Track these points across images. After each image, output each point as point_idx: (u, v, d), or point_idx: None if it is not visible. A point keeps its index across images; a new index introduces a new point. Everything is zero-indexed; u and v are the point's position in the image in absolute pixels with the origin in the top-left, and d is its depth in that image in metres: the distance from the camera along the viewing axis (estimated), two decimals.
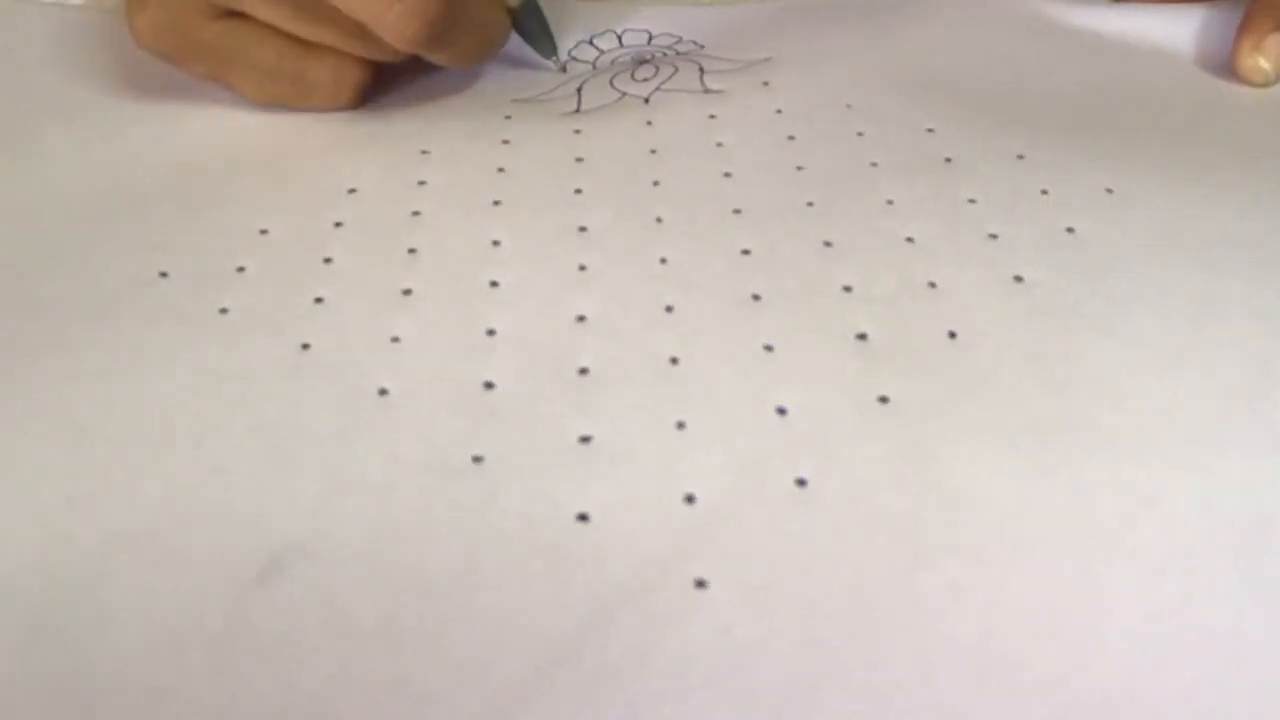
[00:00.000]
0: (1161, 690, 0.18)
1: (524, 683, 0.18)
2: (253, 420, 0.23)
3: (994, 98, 0.32)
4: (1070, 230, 0.27)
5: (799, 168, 0.29)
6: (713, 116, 0.32)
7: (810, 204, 0.28)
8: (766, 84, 0.33)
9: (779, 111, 0.32)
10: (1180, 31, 0.35)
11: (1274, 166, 0.29)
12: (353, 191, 0.29)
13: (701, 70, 0.34)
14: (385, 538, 0.21)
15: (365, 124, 0.32)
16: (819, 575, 0.20)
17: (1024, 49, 0.34)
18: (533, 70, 0.35)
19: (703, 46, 0.36)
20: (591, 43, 0.37)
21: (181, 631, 0.19)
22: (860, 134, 0.31)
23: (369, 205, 0.29)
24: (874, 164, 0.29)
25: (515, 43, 0.35)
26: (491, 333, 0.25)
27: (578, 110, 0.33)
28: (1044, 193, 0.28)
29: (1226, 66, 0.33)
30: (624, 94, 0.33)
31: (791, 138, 0.31)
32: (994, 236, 0.27)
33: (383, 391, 0.24)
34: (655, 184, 0.29)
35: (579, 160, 0.30)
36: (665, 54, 0.36)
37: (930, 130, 0.31)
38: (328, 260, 0.27)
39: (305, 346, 0.25)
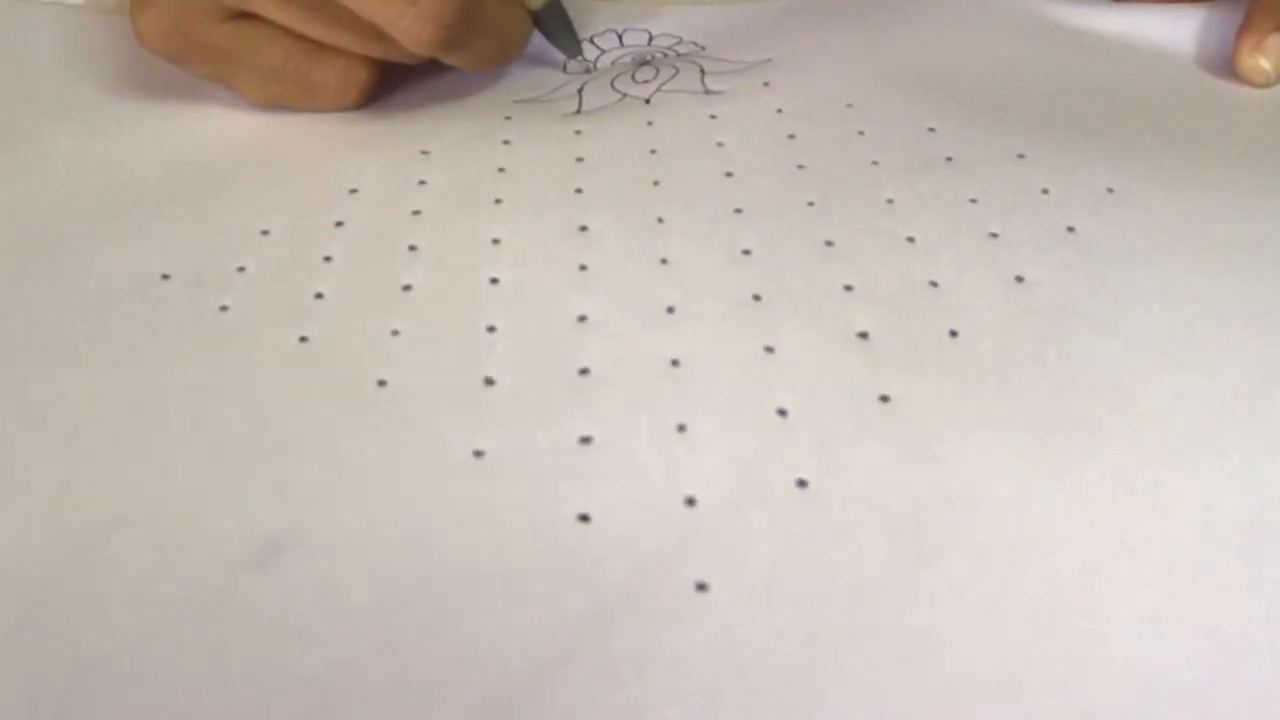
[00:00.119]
0: (1162, 690, 0.18)
1: (524, 681, 0.18)
2: (250, 409, 0.23)
3: (995, 97, 0.32)
4: (1071, 229, 0.27)
5: (800, 166, 0.29)
6: (713, 116, 0.32)
7: (811, 203, 0.28)
8: (767, 84, 0.33)
9: (779, 111, 0.32)
10: (1180, 31, 0.35)
11: (1274, 166, 0.29)
12: (354, 191, 0.29)
13: (702, 71, 0.34)
14: (384, 526, 0.21)
15: (367, 124, 0.32)
16: (820, 577, 0.20)
17: (1024, 49, 0.34)
18: (534, 71, 0.35)
19: (703, 47, 0.36)
20: (592, 42, 0.37)
21: (175, 617, 0.19)
22: (861, 133, 0.31)
23: (370, 205, 0.29)
24: (875, 163, 0.29)
25: None
26: (492, 329, 0.25)
27: (578, 111, 0.33)
28: (1045, 192, 0.28)
29: (1226, 66, 0.33)
30: (624, 95, 0.33)
31: (792, 137, 0.31)
32: (995, 236, 0.27)
33: (382, 383, 0.24)
34: (656, 184, 0.29)
35: (579, 160, 0.30)
36: (666, 54, 0.36)
37: (931, 129, 0.31)
38: (328, 258, 0.27)
39: (304, 339, 0.25)
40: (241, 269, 0.27)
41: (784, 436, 0.22)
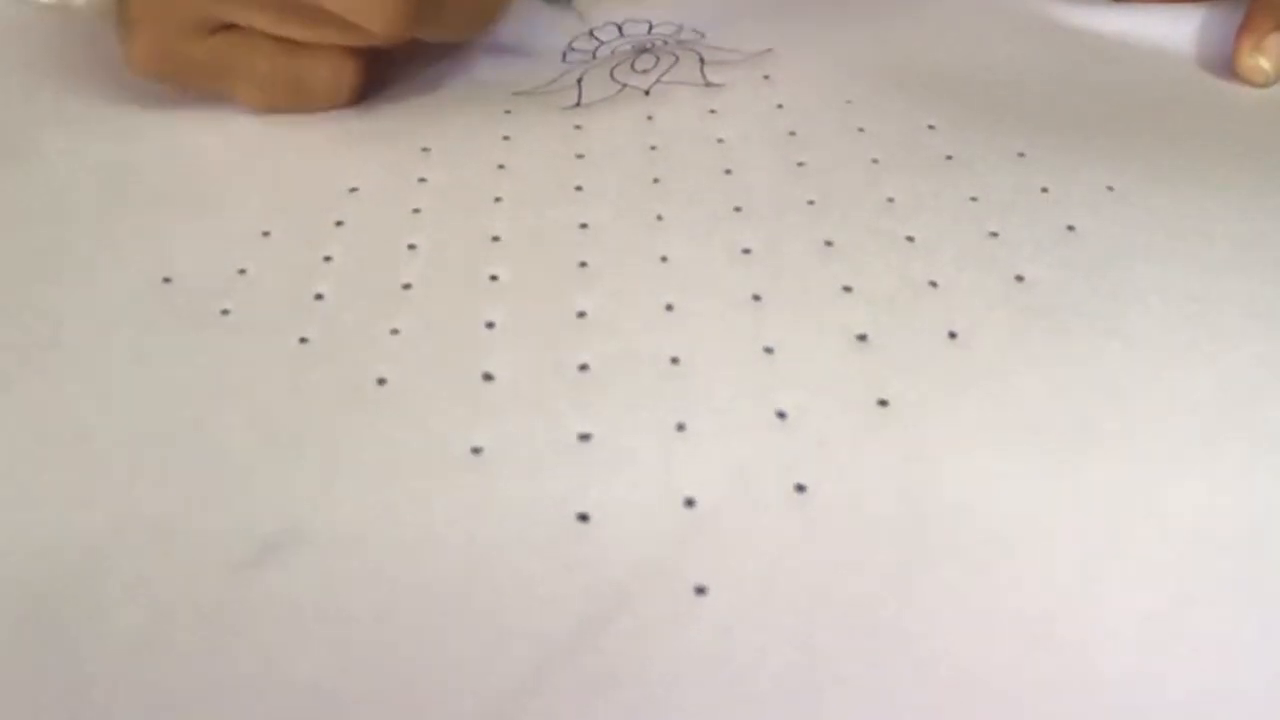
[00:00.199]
0: (1156, 697, 0.18)
1: (521, 684, 0.19)
2: (251, 408, 0.23)
3: (995, 95, 0.32)
4: (1071, 228, 0.27)
5: (799, 164, 0.29)
6: (713, 111, 0.31)
7: (811, 202, 0.28)
8: (767, 77, 0.33)
9: (780, 106, 0.32)
10: (1180, 31, 0.35)
11: (1274, 165, 0.29)
12: (353, 190, 0.29)
13: (702, 61, 0.34)
14: (382, 527, 0.21)
15: (365, 120, 0.32)
16: (817, 583, 0.20)
17: (1024, 48, 0.34)
18: (533, 61, 0.35)
19: (704, 35, 0.36)
20: (592, 34, 0.37)
21: (177, 619, 0.19)
22: (861, 130, 0.31)
23: (370, 204, 0.29)
24: (875, 160, 0.29)
25: (514, 34, 0.35)
26: (491, 325, 0.25)
27: (578, 104, 0.33)
28: (1044, 190, 0.28)
29: (1226, 66, 0.33)
30: (624, 86, 0.33)
31: (792, 133, 0.30)
32: (994, 235, 0.27)
33: (381, 381, 0.24)
34: (656, 181, 0.29)
35: (579, 156, 0.30)
36: (666, 42, 0.36)
37: (931, 127, 0.31)
38: (328, 258, 0.27)
39: (304, 340, 0.25)
40: (242, 271, 0.27)
41: (783, 440, 0.22)
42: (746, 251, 0.27)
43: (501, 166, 0.30)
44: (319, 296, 0.26)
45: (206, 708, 0.18)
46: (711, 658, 0.19)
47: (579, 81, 0.34)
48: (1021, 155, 0.29)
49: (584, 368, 0.24)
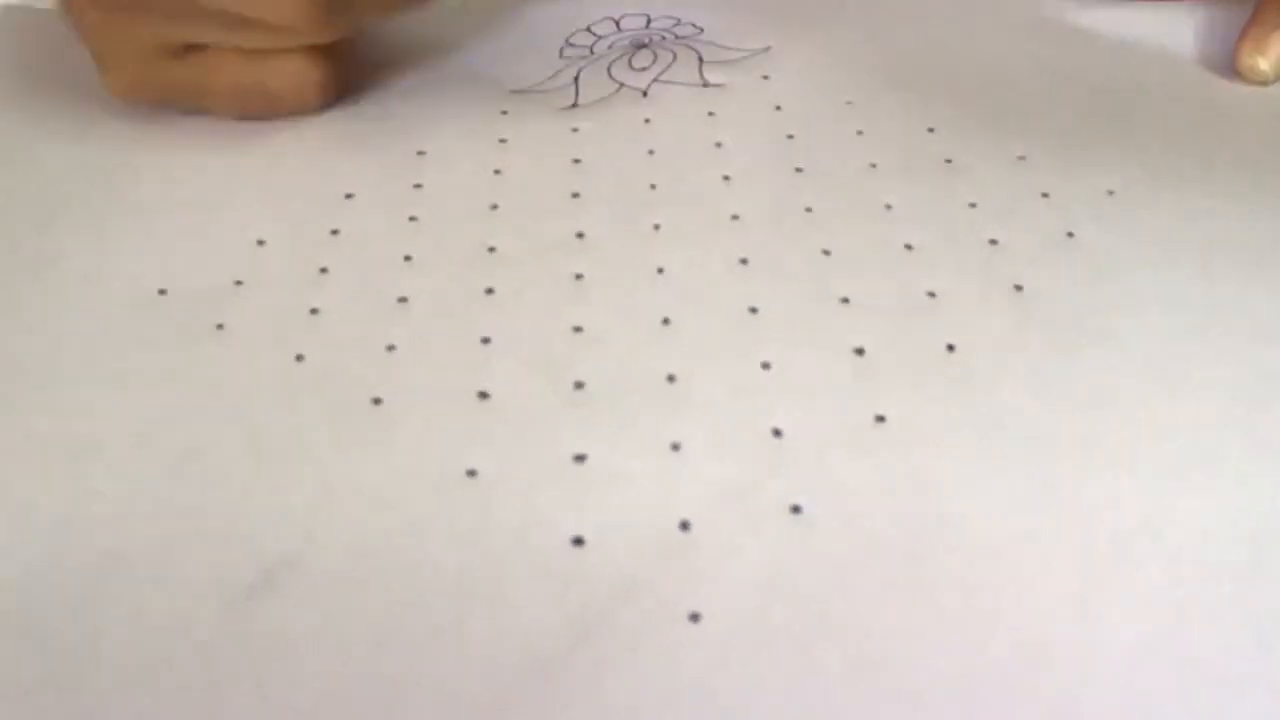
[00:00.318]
0: None
1: (516, 713, 0.19)
2: (247, 433, 0.23)
3: (995, 96, 0.32)
4: (1070, 235, 0.27)
5: (798, 169, 0.29)
6: (711, 114, 0.31)
7: (809, 209, 0.28)
8: (766, 77, 0.33)
9: (778, 108, 0.31)
10: (1181, 31, 0.35)
11: (1276, 168, 0.29)
12: (349, 197, 0.29)
13: (700, 60, 0.34)
14: (379, 553, 0.21)
15: (361, 120, 0.32)
16: (814, 611, 0.20)
17: (1025, 47, 0.34)
18: (530, 56, 0.35)
19: (702, 30, 0.36)
20: (589, 29, 0.36)
21: (174, 654, 0.19)
22: (860, 133, 0.30)
23: (365, 212, 0.29)
24: (873, 165, 0.29)
25: (510, 27, 0.34)
26: (487, 341, 0.25)
27: (575, 104, 0.32)
28: (1044, 195, 0.28)
29: (1227, 66, 0.33)
30: (622, 85, 0.33)
31: (791, 137, 0.30)
32: (994, 242, 0.27)
33: (377, 401, 0.24)
34: (653, 187, 0.29)
35: (576, 161, 0.30)
36: (664, 38, 0.35)
37: (930, 130, 0.30)
38: (324, 270, 0.27)
39: (300, 358, 0.25)
40: (238, 283, 0.27)
41: (779, 459, 0.22)
42: (744, 262, 0.26)
43: (498, 172, 0.30)
44: (315, 311, 0.26)
45: None
46: (707, 690, 0.19)
47: (576, 79, 0.34)
48: (1021, 159, 0.29)
49: (580, 385, 0.24)
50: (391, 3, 0.31)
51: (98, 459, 0.23)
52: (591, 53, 0.35)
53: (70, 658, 0.19)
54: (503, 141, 0.31)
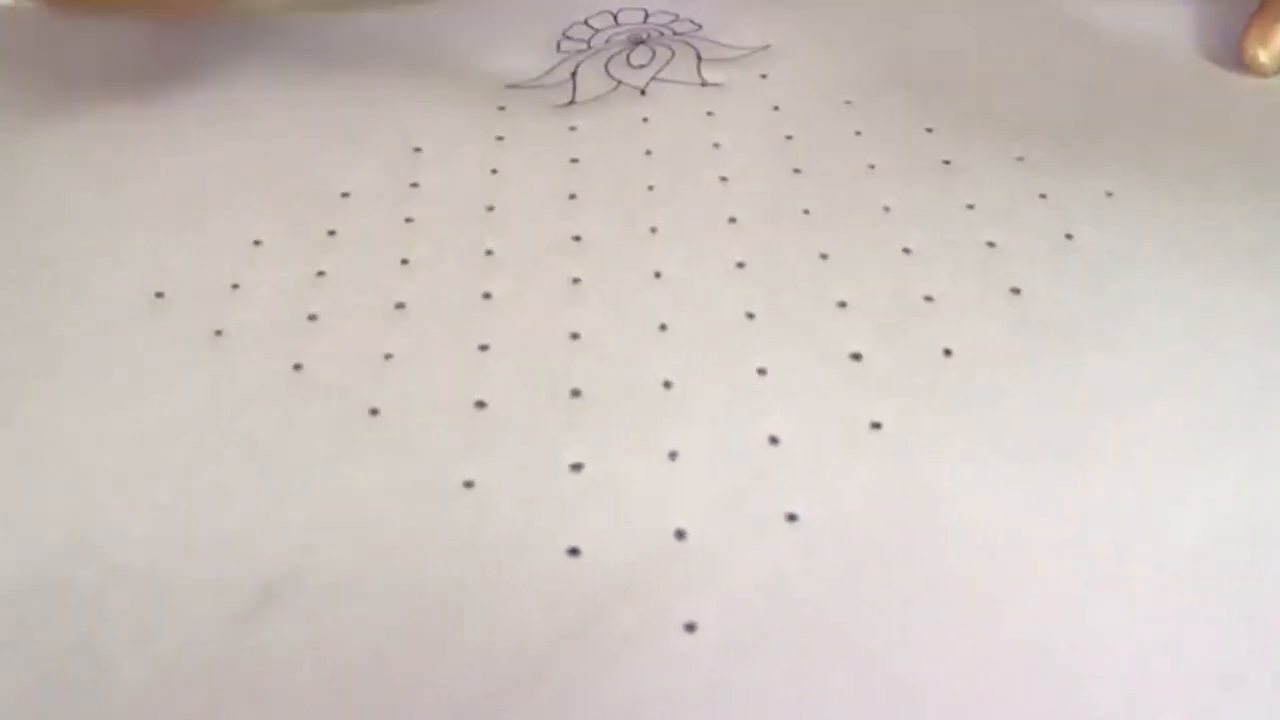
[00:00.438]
0: None
1: None
2: (246, 446, 0.23)
3: (995, 96, 0.32)
4: (1069, 237, 0.27)
5: (796, 171, 0.29)
6: (710, 114, 0.31)
7: (806, 211, 0.28)
8: (764, 76, 0.32)
9: (776, 109, 0.31)
10: (1181, 30, 0.34)
11: (1276, 169, 0.29)
12: (345, 195, 0.29)
13: (699, 58, 0.34)
14: (378, 567, 0.21)
15: (358, 114, 0.32)
16: (810, 621, 0.20)
17: (1025, 47, 0.34)
18: (527, 50, 0.35)
19: (700, 26, 0.35)
20: (586, 23, 0.36)
21: (177, 674, 0.19)
22: (858, 133, 0.30)
23: (362, 212, 0.28)
24: (872, 166, 0.29)
25: (506, 18, 0.34)
26: (484, 348, 0.25)
27: (572, 101, 0.32)
28: (1043, 197, 0.28)
29: (1229, 63, 0.33)
30: (620, 83, 0.33)
31: (789, 137, 0.30)
32: (992, 245, 0.27)
33: (374, 411, 0.24)
34: (650, 189, 0.29)
35: (573, 161, 0.30)
36: (662, 33, 0.35)
37: (929, 130, 0.30)
38: (320, 273, 0.27)
39: (298, 367, 0.25)
40: (235, 286, 0.26)
41: (776, 467, 0.22)
42: (741, 265, 0.26)
43: (494, 171, 0.30)
44: (312, 317, 0.26)
45: None
46: (704, 701, 0.19)
47: (573, 76, 0.33)
48: (1020, 159, 0.29)
49: (576, 393, 0.24)
50: None
51: (100, 478, 0.23)
52: (589, 46, 0.35)
53: (79, 686, 0.19)
54: (499, 139, 0.31)
